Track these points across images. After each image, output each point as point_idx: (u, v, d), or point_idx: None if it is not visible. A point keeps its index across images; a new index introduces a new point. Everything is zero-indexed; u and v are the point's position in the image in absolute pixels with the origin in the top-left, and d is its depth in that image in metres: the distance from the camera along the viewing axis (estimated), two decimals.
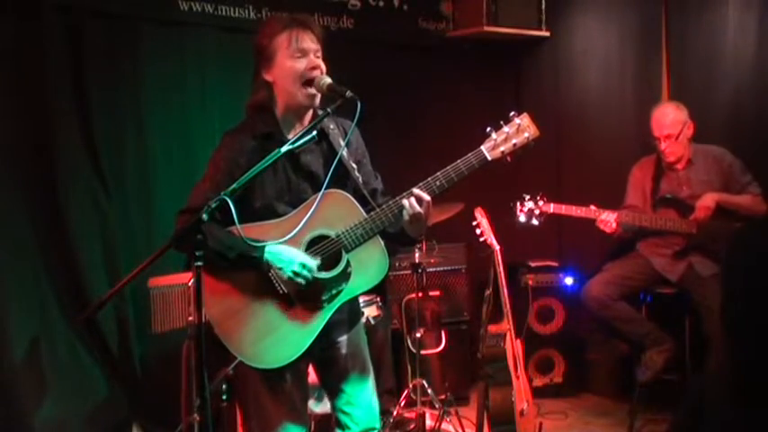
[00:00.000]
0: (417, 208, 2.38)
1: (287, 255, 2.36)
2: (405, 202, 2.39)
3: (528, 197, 4.05)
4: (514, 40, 5.16)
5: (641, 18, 4.84)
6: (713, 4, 4.47)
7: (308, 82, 2.43)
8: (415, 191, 2.40)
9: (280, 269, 2.35)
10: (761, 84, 4.26)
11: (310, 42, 2.44)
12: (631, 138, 4.82)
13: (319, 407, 3.56)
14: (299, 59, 2.42)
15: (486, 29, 4.93)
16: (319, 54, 2.46)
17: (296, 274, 2.35)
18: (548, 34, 5.18)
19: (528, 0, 5.11)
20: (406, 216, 2.40)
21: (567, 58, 5.23)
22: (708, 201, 3.95)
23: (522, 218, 4.05)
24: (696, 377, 4.07)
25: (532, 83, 5.40)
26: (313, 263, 2.38)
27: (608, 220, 4.00)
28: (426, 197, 2.39)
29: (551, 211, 4.05)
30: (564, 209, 4.07)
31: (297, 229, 2.39)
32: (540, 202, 4.05)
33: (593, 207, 4.05)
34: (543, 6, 5.12)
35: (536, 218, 4.04)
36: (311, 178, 2.48)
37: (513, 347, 3.68)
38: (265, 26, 2.52)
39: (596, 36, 5.10)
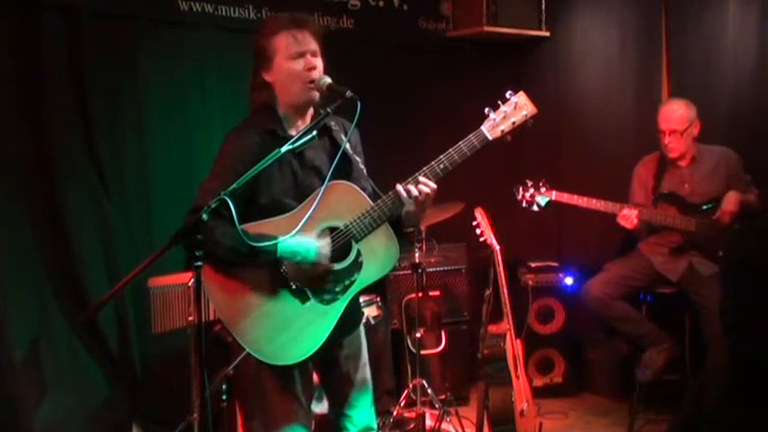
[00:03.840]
0: (425, 191, 2.40)
1: (298, 241, 2.36)
2: (411, 187, 2.40)
3: (530, 183, 4.10)
4: (514, 40, 5.16)
5: (641, 18, 4.84)
6: (713, 4, 4.47)
7: (309, 82, 2.44)
8: (421, 178, 2.42)
9: (296, 256, 2.35)
10: (761, 84, 4.27)
11: (308, 43, 2.45)
12: (632, 137, 4.83)
13: (319, 407, 3.56)
14: (296, 60, 2.44)
15: (486, 29, 4.93)
16: (317, 53, 2.47)
17: (315, 259, 2.35)
18: (548, 34, 5.18)
19: (528, 0, 5.11)
20: (409, 202, 2.40)
21: (567, 58, 5.23)
22: (731, 204, 3.92)
23: (524, 204, 4.11)
24: (696, 377, 4.07)
25: (532, 83, 5.39)
26: (326, 241, 2.38)
27: (630, 215, 3.98)
28: (433, 185, 2.41)
29: (553, 198, 4.09)
30: (566, 197, 4.09)
31: (302, 222, 2.38)
32: (543, 189, 4.09)
33: (594, 199, 4.06)
34: (543, 6, 5.11)
35: (537, 204, 4.09)
36: (317, 173, 2.49)
37: (513, 347, 3.68)
38: (263, 27, 2.53)
39: (596, 36, 5.10)
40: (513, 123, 2.48)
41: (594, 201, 4.06)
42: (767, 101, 4.25)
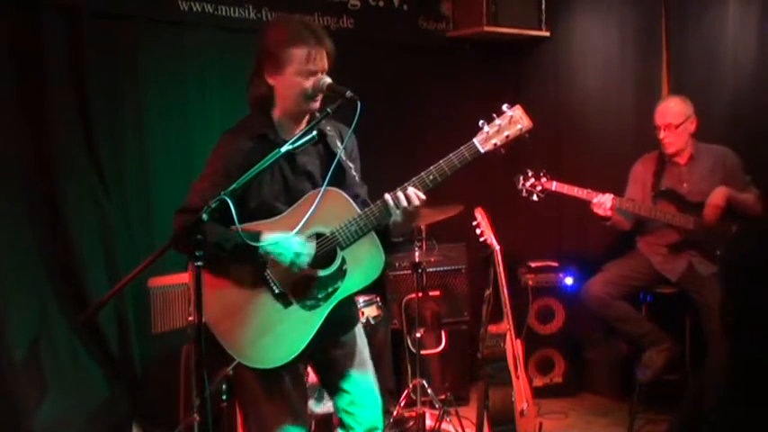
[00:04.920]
0: (414, 202, 2.38)
1: (284, 241, 2.36)
2: (400, 195, 2.39)
3: (531, 173, 4.08)
4: (514, 40, 5.16)
5: (641, 18, 4.84)
6: (713, 4, 4.47)
7: (310, 96, 2.44)
8: (410, 188, 2.40)
9: (279, 255, 2.35)
10: (761, 83, 4.27)
11: (323, 62, 2.44)
12: (631, 137, 4.82)
13: (319, 407, 3.57)
14: (307, 78, 2.43)
15: (486, 29, 4.93)
16: (326, 70, 2.47)
17: (297, 255, 2.35)
18: (548, 34, 5.18)
19: (528, 0, 5.11)
20: (397, 212, 2.39)
21: (567, 58, 5.23)
22: (717, 199, 3.91)
23: (524, 193, 4.09)
24: (696, 377, 4.07)
25: (532, 83, 5.40)
26: (311, 245, 2.38)
27: (603, 202, 3.99)
28: (422, 195, 2.40)
29: (553, 188, 4.08)
30: (566, 188, 4.08)
31: (298, 227, 2.39)
32: (543, 179, 4.08)
33: (588, 190, 4.05)
34: (543, 6, 5.12)
35: (537, 194, 4.07)
36: (309, 178, 2.49)
37: (513, 347, 3.68)
38: (279, 30, 2.47)
39: (596, 36, 5.10)
40: (507, 137, 2.45)
41: (589, 191, 4.06)
42: (767, 101, 4.25)
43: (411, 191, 2.40)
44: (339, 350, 2.59)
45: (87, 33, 3.81)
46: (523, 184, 4.09)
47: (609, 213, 4.02)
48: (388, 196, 2.41)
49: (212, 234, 2.30)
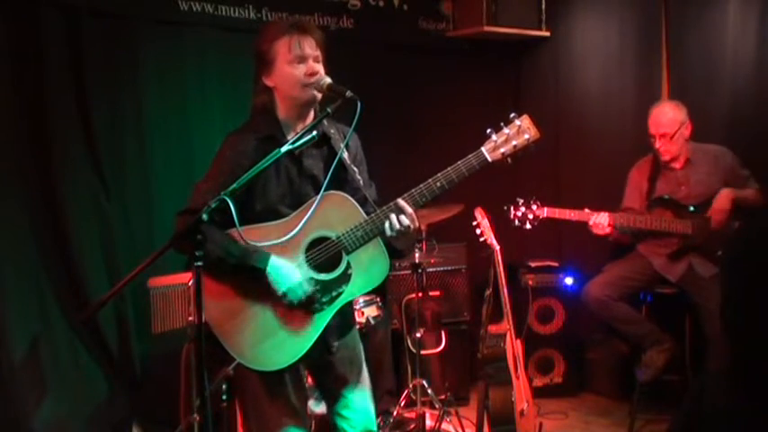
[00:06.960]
0: (405, 222, 2.36)
1: (285, 272, 2.35)
2: (392, 216, 2.36)
3: (521, 201, 4.03)
4: (514, 40, 5.16)
5: (641, 18, 4.84)
6: (713, 3, 4.47)
7: (309, 84, 2.42)
8: (400, 202, 2.37)
9: (276, 283, 2.35)
10: (761, 84, 4.26)
11: (310, 48, 2.43)
12: (631, 138, 4.82)
13: (319, 407, 3.56)
14: (297, 65, 2.41)
15: (486, 29, 4.93)
16: (319, 59, 2.45)
17: (285, 294, 2.35)
18: (548, 34, 5.18)
19: (528, 0, 5.11)
20: (389, 231, 2.37)
21: (567, 58, 5.23)
22: (723, 203, 3.90)
23: (516, 222, 4.04)
24: (696, 377, 4.07)
25: (532, 83, 5.40)
26: (309, 288, 2.38)
27: (600, 222, 3.97)
28: (409, 209, 2.37)
29: (545, 215, 4.03)
30: (558, 213, 4.04)
31: (296, 230, 2.38)
32: (534, 207, 4.02)
33: (586, 210, 4.02)
34: (543, 6, 5.12)
35: (530, 222, 4.02)
36: (313, 181, 2.48)
37: (513, 347, 3.68)
38: (265, 31, 2.50)
39: (596, 36, 5.10)
40: (515, 146, 2.44)
41: (584, 212, 4.02)
42: (767, 101, 4.25)
43: (401, 205, 2.37)
44: (336, 353, 2.58)
45: (87, 33, 3.81)
46: (515, 215, 4.02)
47: (608, 230, 4.00)
48: (401, 201, 2.38)
49: (215, 245, 2.29)
